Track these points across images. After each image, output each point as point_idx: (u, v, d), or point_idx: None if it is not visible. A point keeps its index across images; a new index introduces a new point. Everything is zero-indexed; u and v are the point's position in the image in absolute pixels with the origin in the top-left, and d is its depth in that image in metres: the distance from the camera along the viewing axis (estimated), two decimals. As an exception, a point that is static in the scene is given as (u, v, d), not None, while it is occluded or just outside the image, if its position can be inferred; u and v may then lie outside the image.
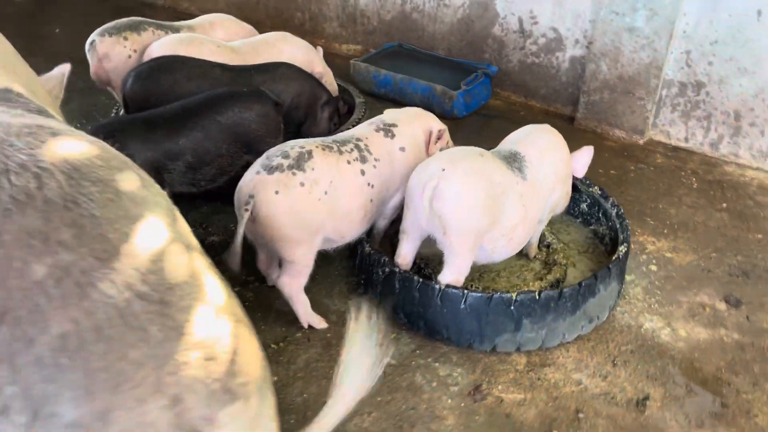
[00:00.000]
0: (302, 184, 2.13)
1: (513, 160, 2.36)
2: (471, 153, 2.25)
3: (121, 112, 3.25)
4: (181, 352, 0.92)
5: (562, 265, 2.64)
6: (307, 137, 2.38)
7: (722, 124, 3.60)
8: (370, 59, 4.33)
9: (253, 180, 2.12)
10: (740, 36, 3.36)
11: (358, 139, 2.38)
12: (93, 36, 3.26)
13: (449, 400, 2.14)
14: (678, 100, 3.68)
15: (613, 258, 2.42)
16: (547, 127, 2.66)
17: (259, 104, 2.70)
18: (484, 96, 4.15)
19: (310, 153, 2.18)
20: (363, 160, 2.33)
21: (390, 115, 2.55)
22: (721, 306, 2.60)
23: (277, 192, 2.09)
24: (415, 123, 2.56)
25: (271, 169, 2.12)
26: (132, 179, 1.10)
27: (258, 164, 2.18)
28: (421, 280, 2.25)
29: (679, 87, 3.64)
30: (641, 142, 3.80)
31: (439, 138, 2.58)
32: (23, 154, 1.01)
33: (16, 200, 0.93)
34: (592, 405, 2.15)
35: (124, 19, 3.38)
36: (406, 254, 2.33)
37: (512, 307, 2.17)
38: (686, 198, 3.32)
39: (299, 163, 2.15)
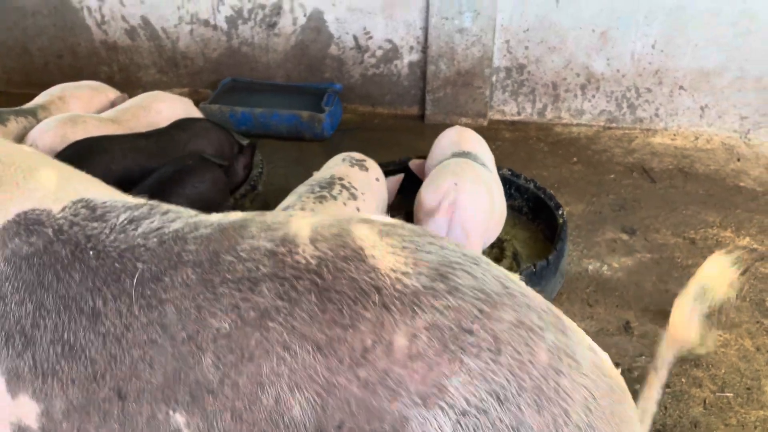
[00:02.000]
0: None
1: (475, 159, 2.69)
2: (463, 163, 2.53)
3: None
4: None
5: (509, 242, 3.06)
6: None
7: (544, 95, 4.35)
8: (216, 100, 4.26)
9: None
10: (545, 21, 4.10)
11: (341, 179, 2.49)
12: None
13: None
14: (507, 82, 4.34)
15: (560, 222, 2.89)
16: (459, 127, 3.05)
17: (210, 172, 2.63)
18: (339, 113, 4.39)
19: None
20: (354, 197, 2.45)
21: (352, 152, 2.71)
22: (624, 236, 3.27)
23: None
24: None
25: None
26: None
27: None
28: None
29: (505, 71, 4.30)
30: (485, 123, 4.40)
31: None
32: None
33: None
34: (596, 341, 2.60)
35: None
36: None
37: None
38: (546, 161, 3.99)
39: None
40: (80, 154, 2.72)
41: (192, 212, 1.32)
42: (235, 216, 1.27)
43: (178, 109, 3.36)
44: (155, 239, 1.20)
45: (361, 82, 4.50)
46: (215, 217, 1.28)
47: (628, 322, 2.71)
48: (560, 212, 2.96)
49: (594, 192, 3.64)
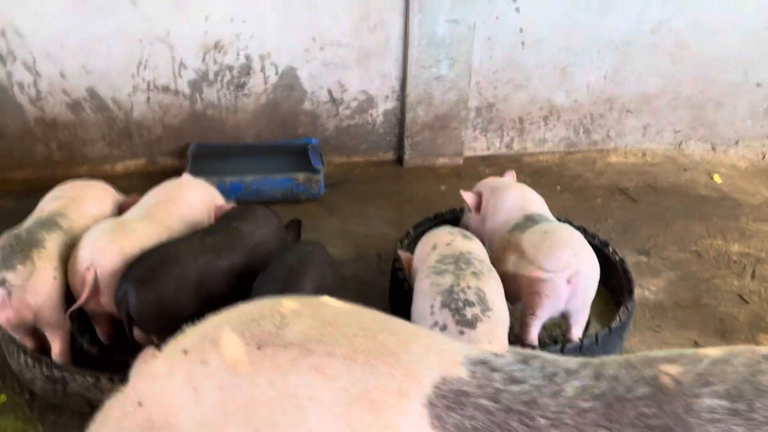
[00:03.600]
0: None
1: (549, 220, 2.84)
2: (565, 228, 2.64)
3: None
4: None
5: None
6: None
7: (511, 129, 4.62)
8: (195, 170, 3.97)
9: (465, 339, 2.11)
10: (512, 62, 4.36)
11: (468, 252, 2.49)
12: None
13: None
14: (477, 121, 4.55)
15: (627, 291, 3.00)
16: (520, 187, 3.15)
17: (320, 253, 2.56)
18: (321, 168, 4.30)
19: (480, 289, 2.26)
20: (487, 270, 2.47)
21: None
22: (644, 258, 3.62)
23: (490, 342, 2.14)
24: None
25: (472, 324, 2.15)
26: None
27: (453, 327, 2.15)
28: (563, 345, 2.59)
29: (476, 110, 4.50)
30: (461, 162, 4.57)
31: None
32: None
33: None
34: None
35: (4, 241, 2.49)
36: (536, 336, 2.61)
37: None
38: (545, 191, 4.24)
39: (484, 303, 2.22)
40: (153, 270, 2.46)
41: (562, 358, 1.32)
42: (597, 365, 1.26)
43: (205, 195, 3.11)
44: (597, 401, 1.19)
45: (336, 134, 4.44)
46: (579, 366, 1.28)
47: (696, 342, 3.03)
48: (628, 276, 3.02)
49: (595, 219, 3.96)
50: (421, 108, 4.32)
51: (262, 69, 4.14)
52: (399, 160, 4.56)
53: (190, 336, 1.37)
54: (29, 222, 2.70)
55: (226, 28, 3.98)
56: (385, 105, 4.39)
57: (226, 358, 1.25)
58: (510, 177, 3.30)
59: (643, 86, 4.57)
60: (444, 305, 2.20)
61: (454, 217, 3.40)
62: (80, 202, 2.87)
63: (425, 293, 2.31)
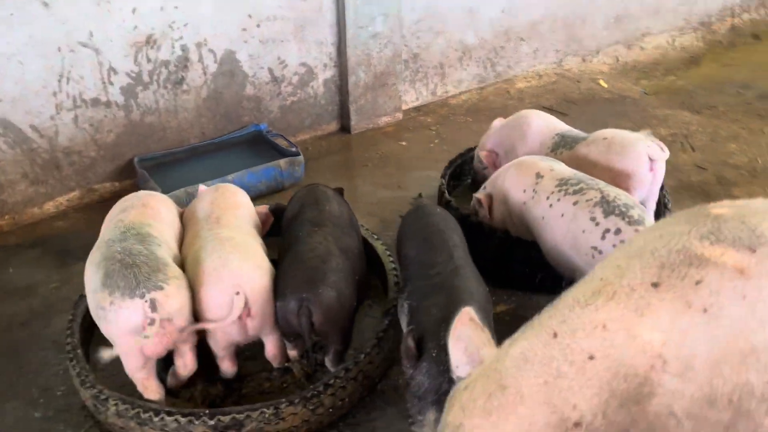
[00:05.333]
0: None
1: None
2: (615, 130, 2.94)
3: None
4: None
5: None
6: None
7: (434, 76, 4.80)
8: (164, 184, 3.52)
9: None
10: (431, 9, 4.51)
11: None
12: (122, 301, 2.05)
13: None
14: (405, 74, 4.64)
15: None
16: (533, 112, 3.36)
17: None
18: (284, 151, 4.09)
19: (621, 194, 2.47)
20: None
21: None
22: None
23: None
24: None
25: (641, 222, 2.35)
26: None
27: (627, 228, 2.32)
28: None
29: (404, 63, 4.58)
30: (401, 117, 4.65)
31: None
32: None
33: None
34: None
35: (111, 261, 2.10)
36: None
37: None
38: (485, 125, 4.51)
39: (637, 205, 2.44)
40: (318, 271, 2.30)
41: None
42: None
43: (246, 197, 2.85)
44: None
45: (280, 115, 4.22)
46: None
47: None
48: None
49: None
50: (361, 70, 4.28)
51: (200, 59, 3.75)
52: (343, 129, 4.49)
53: (642, 272, 1.36)
54: (113, 236, 2.27)
55: (158, 19, 3.51)
56: (324, 74, 4.26)
57: (730, 267, 1.29)
58: (499, 122, 3.47)
59: (530, 15, 5.04)
60: (608, 213, 2.36)
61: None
62: (155, 210, 2.49)
63: (574, 212, 2.44)
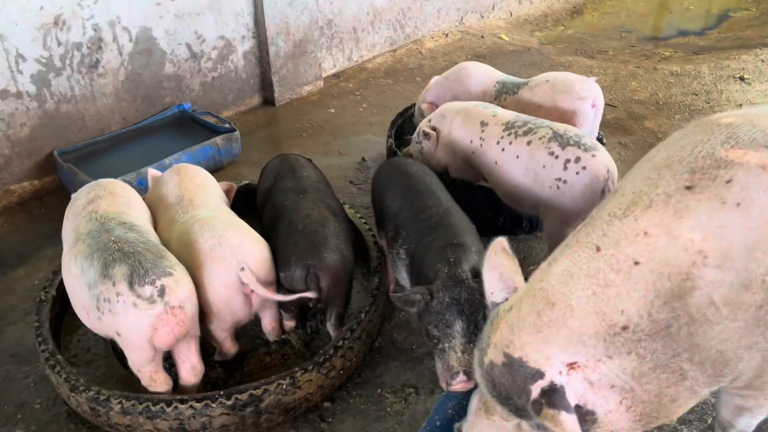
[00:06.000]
0: None
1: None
2: (558, 73, 3.07)
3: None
4: None
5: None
6: None
7: (349, 41, 4.78)
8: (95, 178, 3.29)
9: None
10: (340, -26, 4.47)
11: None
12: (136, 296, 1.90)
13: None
14: (322, 41, 4.58)
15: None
16: (470, 63, 3.46)
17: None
18: (212, 130, 3.94)
19: (570, 128, 2.61)
20: None
21: None
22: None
23: None
24: None
25: (596, 147, 2.52)
26: None
27: (585, 155, 2.49)
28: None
29: (320, 30, 4.53)
30: (322, 85, 4.61)
31: None
32: None
33: None
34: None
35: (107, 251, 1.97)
36: None
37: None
38: (409, 92, 4.58)
39: (584, 136, 2.59)
40: (320, 236, 2.29)
41: None
42: None
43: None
44: None
45: (202, 92, 4.04)
46: None
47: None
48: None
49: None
50: (281, 39, 4.18)
51: (115, 38, 3.49)
52: (266, 101, 4.38)
53: (675, 180, 1.48)
54: (92, 228, 2.12)
55: (65, -3, 3.23)
56: (243, 46, 4.12)
57: (754, 165, 1.44)
58: (436, 79, 3.55)
59: (433, -26, 5.14)
60: (565, 145, 2.50)
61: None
62: (126, 198, 2.36)
63: (530, 151, 2.57)
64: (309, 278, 2.18)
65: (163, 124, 3.82)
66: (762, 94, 4.30)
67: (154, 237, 2.19)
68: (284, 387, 2.14)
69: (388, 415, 2.28)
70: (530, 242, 3.06)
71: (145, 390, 2.15)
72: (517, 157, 2.64)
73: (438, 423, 2.05)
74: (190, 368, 2.16)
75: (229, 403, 2.08)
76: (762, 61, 4.76)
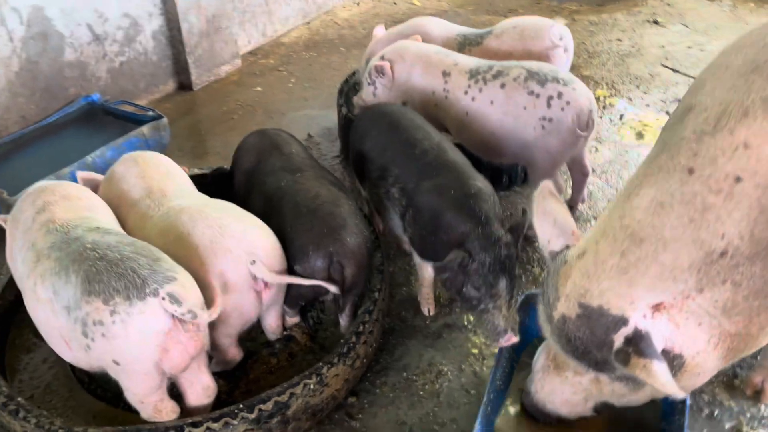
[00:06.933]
0: None
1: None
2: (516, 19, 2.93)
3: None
4: None
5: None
6: None
7: (260, 15, 4.41)
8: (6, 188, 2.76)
9: None
10: (247, -59, 4.08)
11: None
12: None
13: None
14: (234, 15, 4.18)
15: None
16: (422, 18, 3.23)
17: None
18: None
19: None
20: None
21: None
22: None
23: None
24: None
25: (575, 80, 2.41)
26: None
27: (567, 90, 2.39)
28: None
29: (232, 3, 4.12)
30: (240, 63, 4.21)
31: None
32: None
33: None
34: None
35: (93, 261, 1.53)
36: None
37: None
38: (336, 62, 4.29)
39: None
40: (334, 217, 1.99)
41: None
42: None
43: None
44: None
45: (111, 80, 3.53)
46: None
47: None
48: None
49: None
50: (192, 15, 3.75)
51: (2, 21, 2.93)
52: (183, 86, 3.93)
53: (765, 87, 1.36)
54: (54, 240, 1.71)
55: (-65, -28, 2.65)
56: (151, 25, 3.64)
57: None
58: (380, 30, 3.30)
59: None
60: (543, 82, 2.36)
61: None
62: (84, 200, 1.94)
63: (506, 94, 2.42)
64: (333, 268, 1.88)
65: (71, 119, 3.29)
66: (678, 35, 4.43)
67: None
68: (312, 387, 1.84)
69: (422, 399, 2.04)
70: (512, 198, 2.91)
71: (141, 421, 1.78)
72: (492, 103, 2.48)
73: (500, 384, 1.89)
74: (202, 389, 1.80)
75: (253, 416, 1.75)
76: (668, 5, 4.92)
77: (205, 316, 1.62)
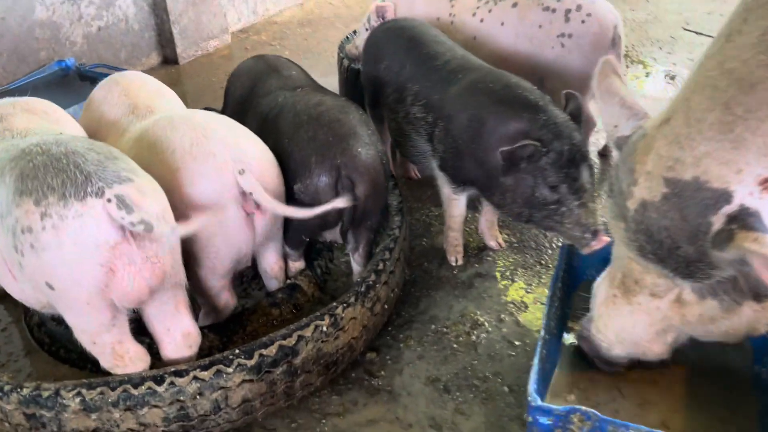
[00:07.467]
0: None
1: None
2: None
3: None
4: None
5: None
6: None
7: (252, -9, 4.14)
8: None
9: None
10: None
11: None
12: None
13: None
14: (222, -12, 3.90)
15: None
16: None
17: None
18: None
19: None
20: None
21: None
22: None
23: None
24: None
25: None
26: None
27: None
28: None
29: (219, -25, 3.85)
30: (230, 40, 3.92)
31: None
32: None
33: None
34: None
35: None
36: None
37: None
38: (333, 36, 4.00)
39: None
40: (347, 128, 1.68)
41: None
42: None
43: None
44: None
45: (87, 46, 3.22)
46: None
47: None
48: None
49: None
50: (177, -20, 3.47)
51: (-37, -34, 2.63)
52: (167, 60, 3.62)
53: None
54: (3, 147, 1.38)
55: None
56: (132, -11, 3.36)
57: None
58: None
59: None
60: None
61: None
62: (51, 116, 1.65)
63: (519, 13, 2.20)
64: (341, 185, 1.53)
65: (42, 83, 2.96)
66: (695, 1, 4.20)
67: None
68: (324, 329, 1.48)
69: (457, 352, 1.69)
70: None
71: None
72: (502, 24, 2.24)
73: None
74: (182, 336, 1.42)
75: (252, 362, 1.39)
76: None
77: (166, 229, 1.25)
